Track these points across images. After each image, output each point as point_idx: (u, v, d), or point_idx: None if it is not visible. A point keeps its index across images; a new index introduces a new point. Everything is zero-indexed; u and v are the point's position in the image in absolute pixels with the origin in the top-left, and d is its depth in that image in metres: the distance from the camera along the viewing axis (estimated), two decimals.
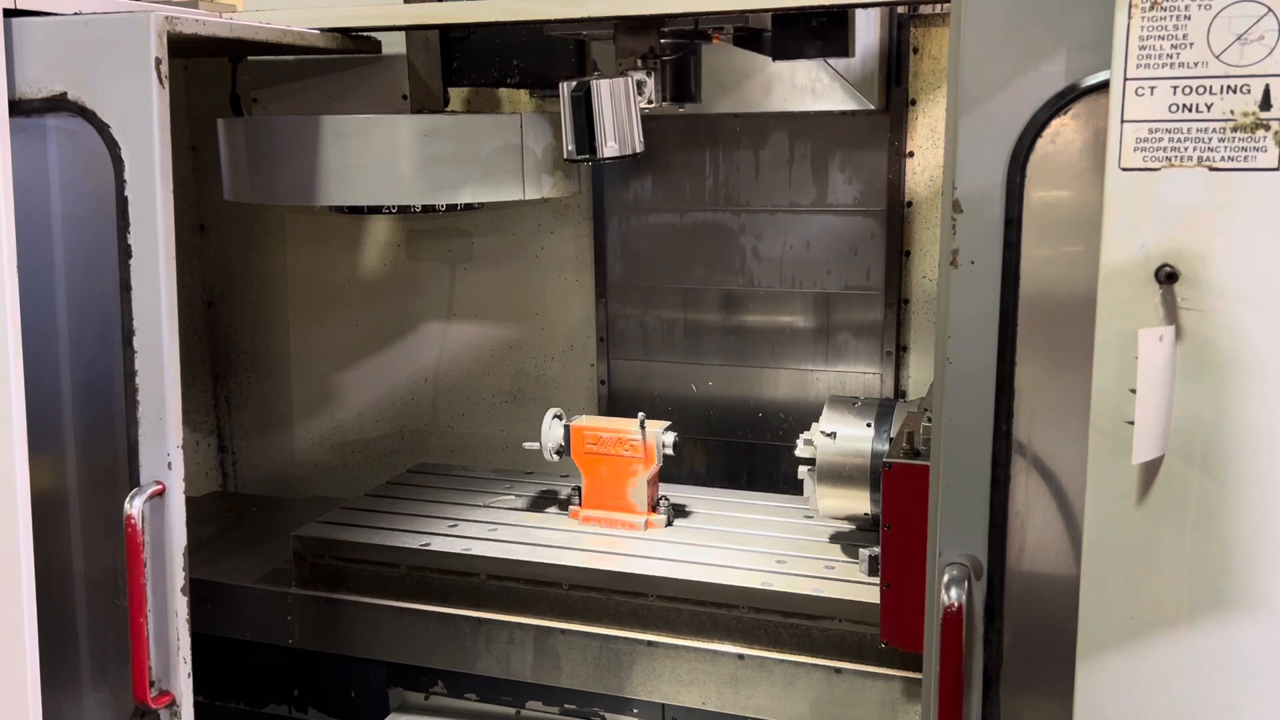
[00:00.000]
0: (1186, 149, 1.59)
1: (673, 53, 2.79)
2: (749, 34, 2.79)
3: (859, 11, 2.89)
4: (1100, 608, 1.73)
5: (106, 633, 2.25)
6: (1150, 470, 1.66)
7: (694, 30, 2.74)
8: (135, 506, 2.12)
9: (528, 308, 3.91)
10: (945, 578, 1.89)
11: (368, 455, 4.16)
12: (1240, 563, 1.64)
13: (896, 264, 3.46)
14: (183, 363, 2.17)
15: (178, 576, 2.18)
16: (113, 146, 2.11)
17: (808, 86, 3.30)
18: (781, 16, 2.62)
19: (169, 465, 2.16)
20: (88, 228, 2.17)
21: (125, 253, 2.12)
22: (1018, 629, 1.92)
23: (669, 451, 3.21)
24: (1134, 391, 1.62)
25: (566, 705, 3.01)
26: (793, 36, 2.64)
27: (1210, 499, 1.64)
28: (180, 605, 2.19)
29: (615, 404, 3.82)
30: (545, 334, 3.91)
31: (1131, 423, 1.62)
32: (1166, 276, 1.61)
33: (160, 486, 2.16)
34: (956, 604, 1.87)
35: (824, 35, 2.63)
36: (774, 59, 2.70)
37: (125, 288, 2.13)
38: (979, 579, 1.91)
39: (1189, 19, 1.57)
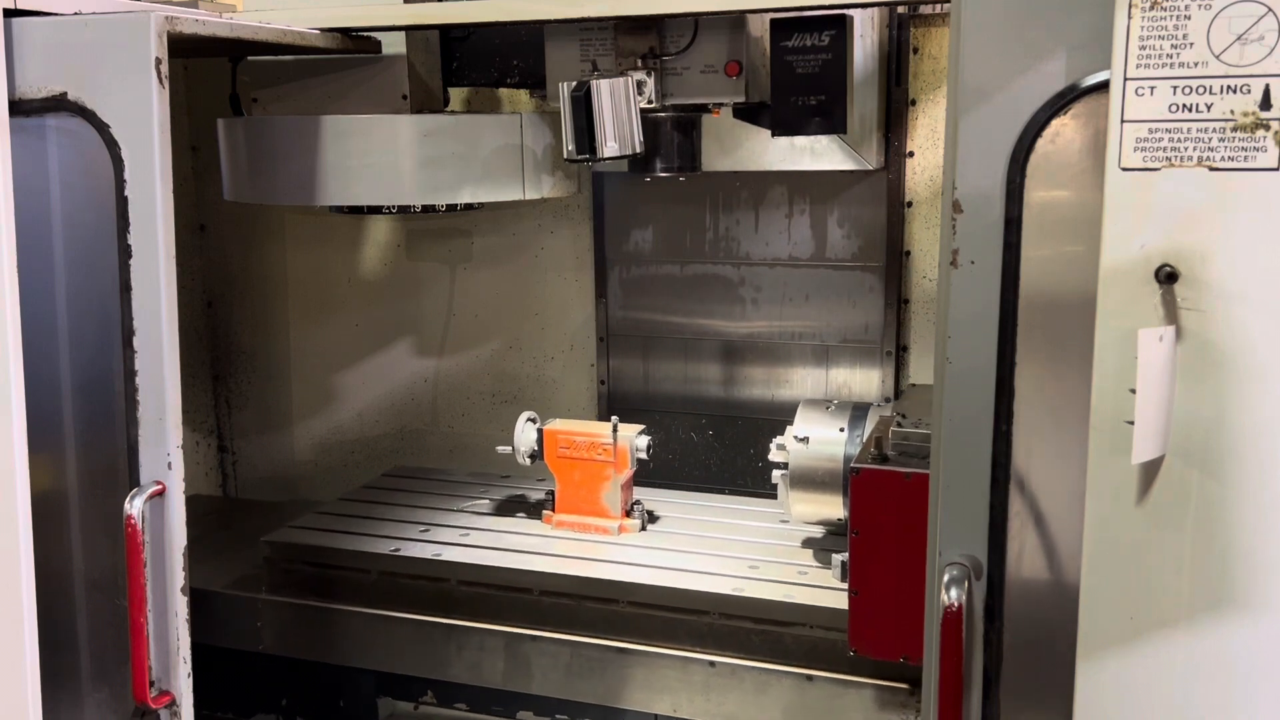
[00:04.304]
0: (1186, 149, 1.59)
1: (675, 126, 2.88)
2: (748, 109, 2.84)
3: (856, 81, 2.92)
4: (1100, 608, 1.73)
5: (106, 633, 2.25)
6: (1150, 470, 1.66)
7: (696, 105, 2.81)
8: (135, 506, 2.12)
9: (528, 308, 3.91)
10: (945, 578, 1.89)
11: (368, 455, 4.16)
12: (1240, 563, 1.64)
13: (896, 266, 3.46)
14: (183, 363, 2.17)
15: (178, 576, 2.18)
16: (113, 146, 2.11)
17: (807, 147, 3.31)
18: (780, 94, 2.69)
19: (169, 465, 2.16)
20: (88, 228, 2.17)
21: (125, 253, 2.12)
22: (1018, 629, 1.92)
23: (642, 455, 3.20)
24: (1134, 391, 1.62)
25: (558, 715, 2.99)
26: (791, 113, 2.68)
27: (1210, 499, 1.64)
28: (180, 605, 2.19)
29: (615, 405, 3.81)
30: (545, 334, 3.91)
31: (1131, 423, 1.62)
32: (1166, 276, 1.61)
33: (160, 486, 2.16)
34: (956, 604, 1.87)
35: (822, 112, 2.66)
36: (773, 134, 2.75)
37: (125, 288, 2.13)
38: (979, 579, 1.91)
39: (1189, 19, 1.57)
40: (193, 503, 4.05)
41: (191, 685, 2.23)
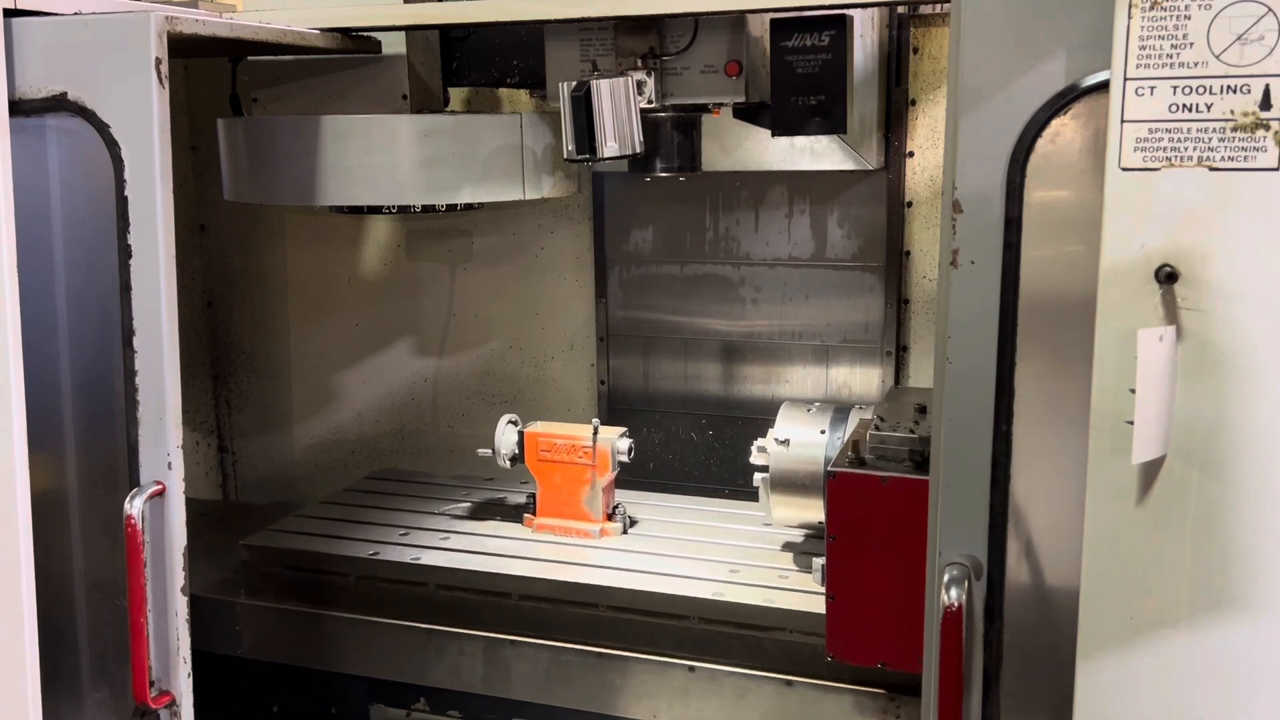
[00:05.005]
0: (1186, 149, 1.59)
1: (675, 126, 2.88)
2: (748, 109, 2.84)
3: (856, 81, 2.90)
4: (1100, 608, 1.73)
5: (106, 633, 2.25)
6: (1150, 470, 1.66)
7: (696, 105, 2.81)
8: (135, 506, 2.12)
9: (528, 308, 3.91)
10: (945, 578, 1.89)
11: (368, 455, 4.16)
12: (1240, 563, 1.64)
13: (896, 266, 3.46)
14: (183, 363, 2.17)
15: (178, 576, 2.18)
16: (113, 146, 2.11)
17: (807, 147, 3.31)
18: (780, 94, 2.68)
19: (169, 465, 2.16)
20: (88, 228, 2.17)
21: (125, 253, 2.12)
22: (1018, 629, 1.92)
23: (624, 458, 3.18)
24: (1134, 391, 1.62)
25: None
26: (791, 113, 2.68)
27: (1210, 499, 1.64)
28: (180, 605, 2.19)
29: (616, 405, 3.81)
30: (545, 334, 3.91)
31: (1131, 423, 1.62)
32: (1166, 276, 1.61)
33: (160, 486, 2.16)
34: (956, 604, 1.87)
35: (822, 112, 2.66)
36: (773, 134, 2.75)
37: (125, 288, 2.13)
38: (979, 579, 1.91)
39: (1189, 19, 1.57)
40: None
41: (191, 685, 2.23)
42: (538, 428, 3.25)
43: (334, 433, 4.19)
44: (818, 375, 3.61)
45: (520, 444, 3.23)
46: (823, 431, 2.83)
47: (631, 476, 3.48)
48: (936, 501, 1.93)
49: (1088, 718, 1.75)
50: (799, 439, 2.84)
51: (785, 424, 2.88)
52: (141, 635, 2.16)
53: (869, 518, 2.40)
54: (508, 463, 3.24)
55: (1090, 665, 1.74)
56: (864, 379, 3.56)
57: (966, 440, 1.88)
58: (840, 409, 2.90)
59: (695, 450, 3.76)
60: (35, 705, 2.20)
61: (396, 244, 4.02)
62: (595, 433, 3.17)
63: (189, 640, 2.21)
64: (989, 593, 1.91)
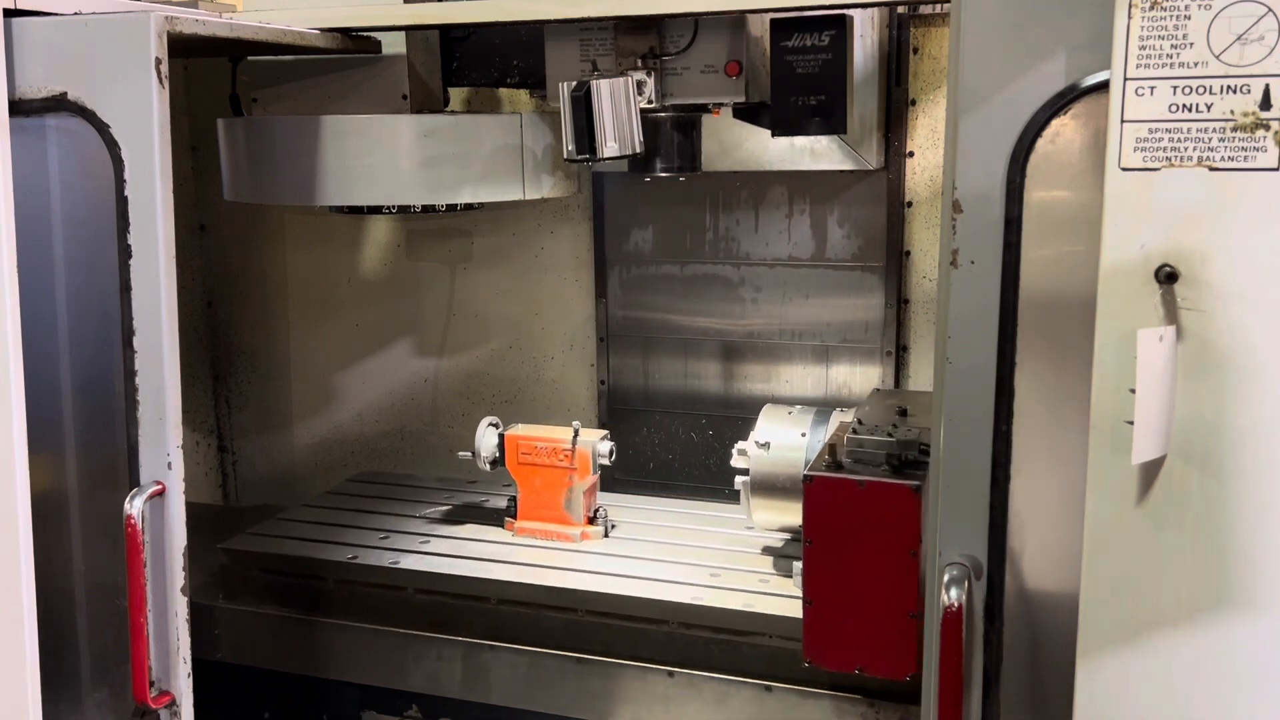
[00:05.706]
0: (1186, 149, 1.60)
1: (675, 126, 2.88)
2: (748, 109, 2.84)
3: (856, 81, 2.90)
4: (1100, 608, 1.73)
5: (106, 633, 2.25)
6: (1150, 470, 1.66)
7: (696, 105, 2.81)
8: (135, 506, 2.12)
9: (528, 308, 3.91)
10: (945, 578, 1.89)
11: (367, 455, 4.16)
12: (1240, 563, 1.64)
13: (896, 266, 3.46)
14: (183, 363, 2.18)
15: (178, 577, 2.18)
16: (113, 146, 2.11)
17: (807, 147, 3.31)
18: (780, 94, 2.68)
19: (169, 465, 2.16)
20: (88, 228, 2.17)
21: (125, 253, 2.12)
22: (1018, 629, 1.92)
23: (605, 461, 3.16)
24: (1134, 391, 1.62)
25: None
26: (791, 113, 2.68)
27: (1210, 499, 1.65)
28: (180, 605, 2.19)
29: (615, 405, 3.81)
30: (545, 334, 3.91)
31: (1131, 423, 1.62)
32: (1166, 276, 1.61)
33: (160, 487, 2.16)
34: (956, 604, 1.87)
35: (822, 112, 2.66)
36: (773, 134, 2.75)
37: (125, 288, 2.13)
38: (979, 579, 1.91)
39: (1189, 19, 1.57)
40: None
41: (191, 685, 2.23)
42: (518, 430, 3.23)
43: (334, 433, 4.19)
44: (817, 375, 3.61)
45: (501, 446, 3.21)
46: (803, 434, 2.82)
47: (631, 477, 3.47)
48: (936, 501, 1.93)
49: (1088, 718, 1.75)
50: (779, 442, 2.82)
51: (766, 426, 2.86)
52: (141, 635, 2.16)
53: (846, 522, 2.38)
54: (488, 465, 3.22)
55: (1090, 665, 1.74)
56: (864, 379, 3.55)
57: (966, 440, 1.88)
58: (821, 411, 2.89)
59: (695, 450, 3.76)
60: (35, 705, 2.20)
61: (396, 244, 4.02)
62: (575, 435, 3.14)
63: (189, 640, 2.21)
64: (989, 593, 1.91)
